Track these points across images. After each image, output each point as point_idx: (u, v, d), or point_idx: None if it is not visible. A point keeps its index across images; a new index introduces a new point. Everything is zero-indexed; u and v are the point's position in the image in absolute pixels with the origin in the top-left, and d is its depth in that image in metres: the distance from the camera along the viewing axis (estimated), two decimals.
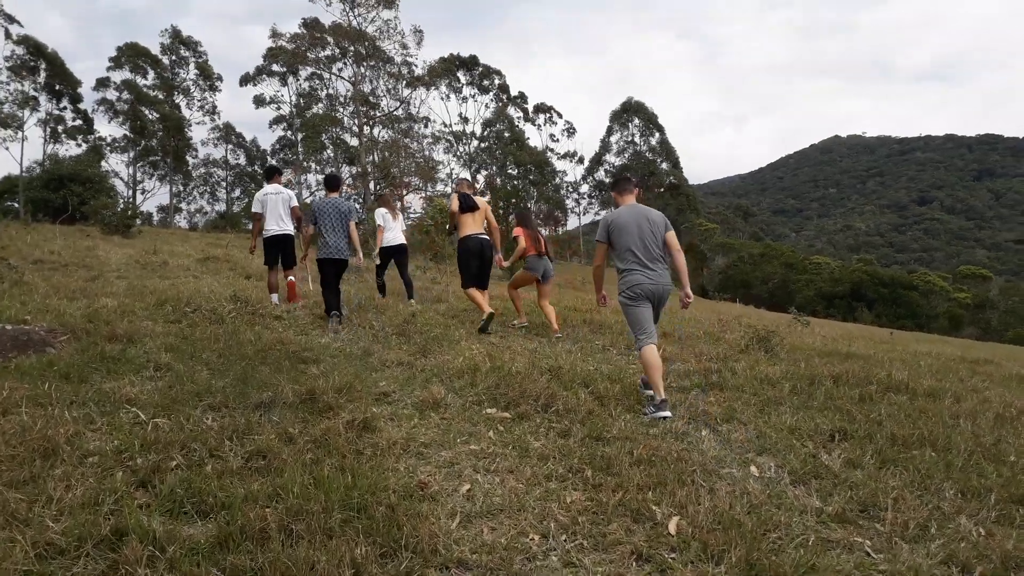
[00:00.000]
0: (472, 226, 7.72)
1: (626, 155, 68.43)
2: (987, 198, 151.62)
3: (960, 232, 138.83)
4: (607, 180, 68.34)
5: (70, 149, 53.20)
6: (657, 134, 68.99)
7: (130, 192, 56.16)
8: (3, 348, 5.25)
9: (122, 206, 27.45)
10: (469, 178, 9.05)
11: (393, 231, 9.65)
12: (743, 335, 8.47)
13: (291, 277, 8.77)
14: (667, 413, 4.55)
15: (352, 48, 46.68)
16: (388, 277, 10.15)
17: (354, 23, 46.24)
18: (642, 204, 5.36)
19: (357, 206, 8.46)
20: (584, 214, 76.95)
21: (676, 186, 68.91)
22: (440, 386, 4.83)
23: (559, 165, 73.15)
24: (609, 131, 68.93)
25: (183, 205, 63.61)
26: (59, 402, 3.79)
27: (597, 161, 69.10)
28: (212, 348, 5.42)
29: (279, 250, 8.63)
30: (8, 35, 47.18)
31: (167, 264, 14.45)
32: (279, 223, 8.57)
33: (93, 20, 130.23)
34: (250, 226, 7.96)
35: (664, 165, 69.33)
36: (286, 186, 9.05)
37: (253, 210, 8.81)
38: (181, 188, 62.29)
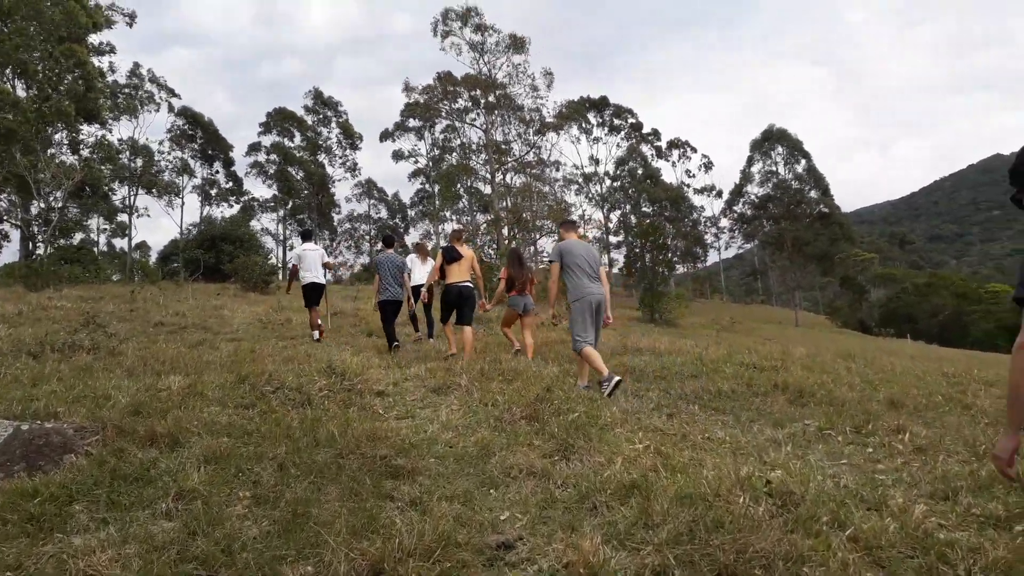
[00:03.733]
0: (456, 274, 8.70)
1: (769, 185, 63.95)
2: None
3: None
4: (750, 213, 64.37)
5: (224, 211, 56.42)
6: (803, 161, 64.10)
7: (279, 248, 58.70)
8: (10, 458, 3.98)
9: (261, 263, 27.74)
10: (460, 230, 9.65)
11: (419, 272, 10.87)
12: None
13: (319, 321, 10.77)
14: (618, 377, 5.92)
15: (483, 99, 46.68)
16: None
17: (484, 70, 46.25)
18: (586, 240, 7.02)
19: (408, 259, 9.58)
20: (725, 249, 72.96)
21: (827, 215, 63.42)
22: (594, 526, 3.02)
23: (696, 200, 70.16)
24: (750, 161, 64.81)
25: (329, 259, 65.76)
26: None
27: (738, 193, 65.08)
28: (273, 454, 3.89)
29: (313, 293, 10.77)
30: (171, 108, 50.94)
31: (290, 322, 13.59)
32: (314, 274, 10.79)
33: (252, 91, 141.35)
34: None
35: (812, 193, 64.13)
36: (323, 246, 12.29)
37: (291, 263, 11.23)
38: (328, 243, 64.61)
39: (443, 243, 47.24)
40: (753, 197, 63.91)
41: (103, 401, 4.88)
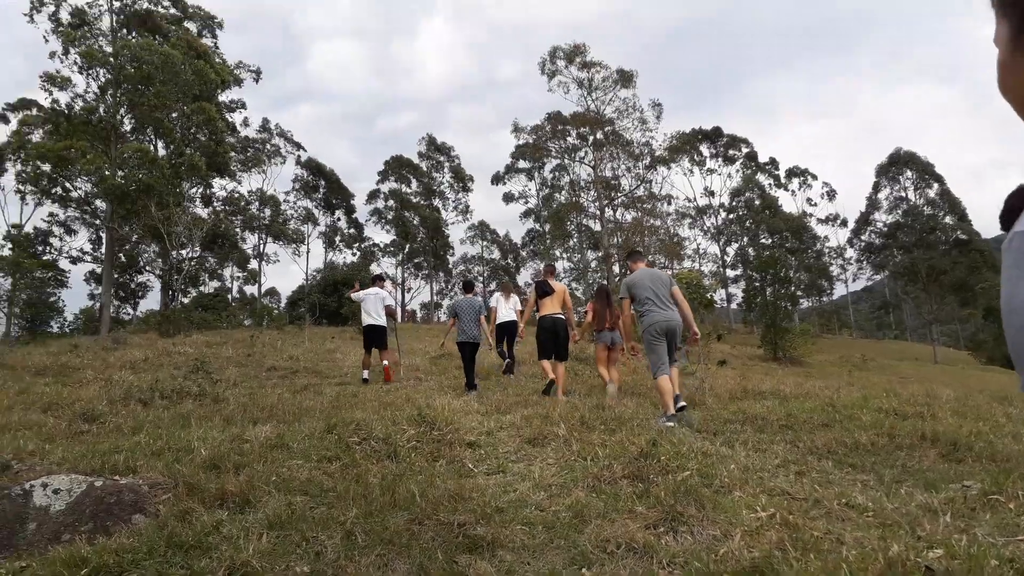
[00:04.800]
0: (549, 307, 9.07)
1: (898, 212, 59.87)
2: None
3: None
4: (878, 242, 60.47)
5: (346, 257, 58.77)
6: (936, 185, 59.68)
7: (397, 292, 60.37)
8: (78, 518, 3.82)
9: None
10: (553, 265, 9.74)
11: (503, 310, 11.22)
12: None
13: (385, 362, 11.06)
14: (673, 424, 6.11)
15: (592, 136, 46.60)
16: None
17: (592, 107, 46.24)
18: (656, 268, 7.73)
19: (493, 298, 9.95)
20: (852, 280, 68.66)
21: (965, 241, 58.49)
22: None
23: (819, 230, 66.61)
24: (876, 187, 61.05)
25: (444, 301, 67.15)
26: None
27: (864, 221, 61.37)
28: (343, 518, 3.54)
29: (373, 336, 11.10)
30: (298, 160, 53.91)
31: (397, 365, 13.54)
32: (375, 317, 11.10)
33: (371, 141, 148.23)
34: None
35: (947, 219, 59.44)
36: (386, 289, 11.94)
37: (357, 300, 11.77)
38: (443, 284, 65.94)
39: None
40: (881, 225, 60.09)
41: (183, 454, 4.73)
